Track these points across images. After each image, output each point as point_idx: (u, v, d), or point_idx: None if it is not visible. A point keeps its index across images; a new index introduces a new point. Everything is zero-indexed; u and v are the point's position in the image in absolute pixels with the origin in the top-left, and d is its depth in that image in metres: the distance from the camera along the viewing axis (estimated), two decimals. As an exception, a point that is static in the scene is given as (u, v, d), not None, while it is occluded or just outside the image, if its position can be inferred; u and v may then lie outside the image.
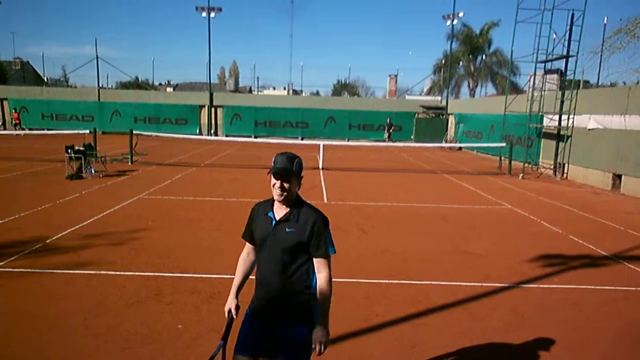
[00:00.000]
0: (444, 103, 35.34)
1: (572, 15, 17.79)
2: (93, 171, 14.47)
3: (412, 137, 34.15)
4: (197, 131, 34.30)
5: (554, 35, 18.74)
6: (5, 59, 50.66)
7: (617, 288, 6.38)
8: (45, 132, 28.73)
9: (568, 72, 18.57)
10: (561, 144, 18.40)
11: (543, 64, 19.79)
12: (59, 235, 7.88)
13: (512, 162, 18.64)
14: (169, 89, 56.97)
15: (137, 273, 6.27)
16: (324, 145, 19.39)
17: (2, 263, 6.44)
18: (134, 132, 18.77)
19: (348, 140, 32.83)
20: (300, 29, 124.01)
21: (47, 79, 51.03)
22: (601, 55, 18.79)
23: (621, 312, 5.65)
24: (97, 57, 35.66)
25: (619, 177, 15.20)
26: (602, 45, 18.16)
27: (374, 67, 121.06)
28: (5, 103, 34.33)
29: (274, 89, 68.32)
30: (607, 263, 7.51)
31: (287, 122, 34.67)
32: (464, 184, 15.46)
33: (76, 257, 6.83)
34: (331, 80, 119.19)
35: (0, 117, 34.29)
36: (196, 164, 18.70)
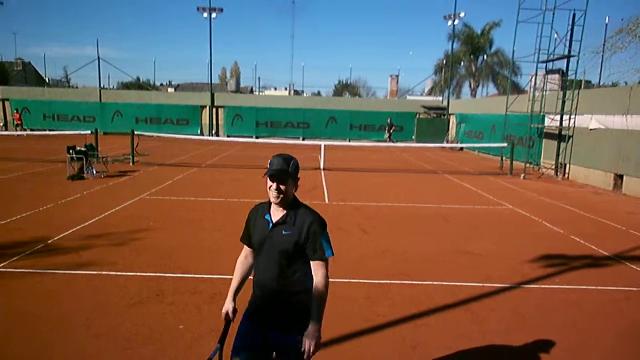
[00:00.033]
0: (445, 103, 35.33)
1: (574, 15, 17.78)
2: (94, 172, 14.48)
3: (413, 137, 34.14)
4: (199, 131, 34.32)
5: (556, 35, 18.74)
6: (7, 59, 50.82)
7: (619, 288, 6.37)
8: (47, 132, 28.75)
9: (569, 72, 18.57)
10: (562, 144, 18.39)
11: (544, 64, 19.76)
12: (61, 235, 7.89)
13: (514, 162, 18.64)
14: (171, 90, 57.00)
15: (138, 273, 6.28)
16: (325, 146, 19.39)
17: (4, 263, 6.45)
18: (136, 132, 18.80)
19: (349, 141, 32.81)
20: (302, 30, 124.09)
21: (48, 79, 51.13)
22: (602, 55, 18.80)
23: (623, 312, 5.64)
24: (98, 58, 35.71)
25: (621, 177, 15.17)
26: (604, 45, 18.18)
27: (375, 68, 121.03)
28: (7, 104, 34.38)
29: (275, 89, 68.33)
30: (609, 263, 7.50)
31: (289, 123, 34.68)
32: (465, 184, 15.45)
33: (78, 257, 6.84)
34: (332, 80, 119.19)
35: (1, 117, 34.33)
36: (197, 164, 18.71)
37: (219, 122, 35.01)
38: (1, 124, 33.93)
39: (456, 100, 38.69)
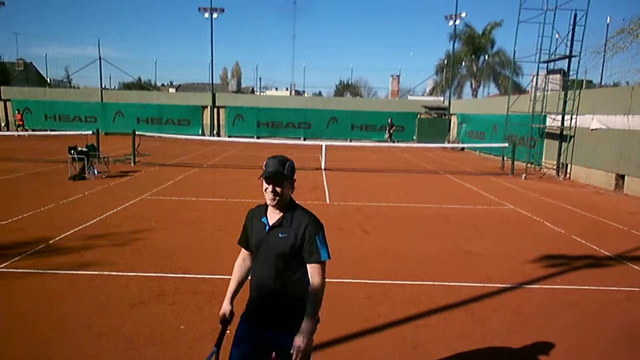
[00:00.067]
0: (446, 103, 35.31)
1: (575, 15, 17.77)
2: (96, 172, 14.50)
3: (414, 137, 34.12)
4: (200, 132, 34.35)
5: (557, 36, 18.73)
6: (8, 60, 50.88)
7: (621, 289, 6.36)
8: (48, 133, 28.80)
9: (571, 72, 18.56)
10: (564, 144, 18.37)
11: (546, 64, 19.74)
12: (62, 235, 7.90)
13: (515, 162, 18.63)
14: (172, 90, 56.99)
15: (139, 274, 6.29)
16: (326, 146, 19.40)
17: (5, 264, 6.46)
18: (137, 132, 18.82)
19: (350, 141, 32.81)
20: (303, 30, 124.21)
21: (50, 79, 51.16)
22: (604, 55, 18.73)
23: (625, 312, 5.63)
24: (100, 58, 35.74)
25: (622, 177, 15.16)
26: (605, 45, 18.12)
27: (377, 68, 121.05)
28: (8, 104, 34.43)
29: (277, 89, 68.31)
30: (611, 263, 7.50)
31: (290, 123, 34.69)
32: (467, 184, 15.45)
33: (79, 257, 6.85)
34: (333, 80, 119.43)
35: (3, 118, 34.39)
36: (199, 164, 18.72)
37: (220, 123, 35.03)
38: (3, 124, 33.98)
39: (457, 101, 38.66)
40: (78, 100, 34.96)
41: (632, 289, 6.37)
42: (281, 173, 2.72)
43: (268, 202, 2.75)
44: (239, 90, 55.81)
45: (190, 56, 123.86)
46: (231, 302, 2.95)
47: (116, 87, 52.04)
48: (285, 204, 2.77)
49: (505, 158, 20.30)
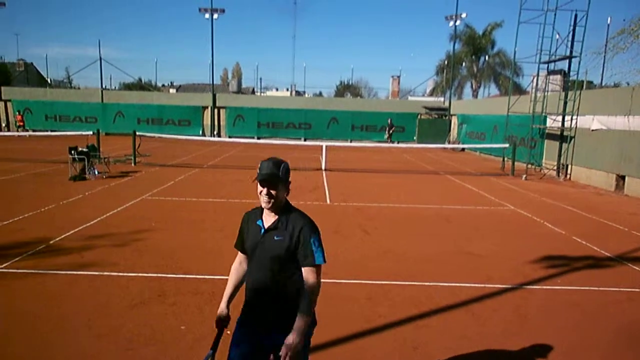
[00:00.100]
0: (446, 104, 35.31)
1: (576, 15, 17.78)
2: (96, 172, 14.51)
3: (414, 138, 34.12)
4: (200, 132, 34.36)
5: (557, 36, 18.73)
6: (9, 60, 50.93)
7: (621, 289, 6.36)
8: (49, 133, 28.81)
9: (571, 73, 18.57)
10: (564, 145, 18.37)
11: (546, 65, 19.74)
12: (63, 236, 7.91)
13: (515, 163, 18.63)
14: (172, 90, 56.99)
15: (140, 274, 6.29)
16: (326, 147, 19.42)
17: (6, 264, 6.46)
18: (137, 133, 18.83)
19: (351, 142, 32.82)
20: (303, 30, 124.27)
21: (50, 80, 51.18)
22: (604, 56, 18.75)
23: (625, 313, 5.63)
24: (100, 59, 35.76)
25: (623, 178, 15.15)
26: (606, 45, 18.15)
27: (377, 68, 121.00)
28: (9, 104, 34.46)
29: (277, 90, 68.32)
30: (611, 264, 7.49)
31: (290, 123, 34.70)
32: (467, 185, 15.44)
33: (79, 258, 6.85)
34: (334, 81, 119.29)
35: (4, 118, 34.41)
36: (199, 165, 18.73)
37: (221, 123, 35.03)
38: (3, 125, 34.00)
39: (458, 101, 38.66)
40: (78, 100, 34.97)
41: (633, 289, 6.37)
42: (276, 175, 2.68)
43: (263, 205, 2.72)
44: (240, 90, 55.82)
45: (191, 57, 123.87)
46: (228, 306, 2.92)
47: (117, 88, 52.06)
48: (281, 207, 2.73)
49: (505, 159, 20.30)
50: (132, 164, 17.64)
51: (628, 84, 17.83)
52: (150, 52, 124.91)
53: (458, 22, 36.50)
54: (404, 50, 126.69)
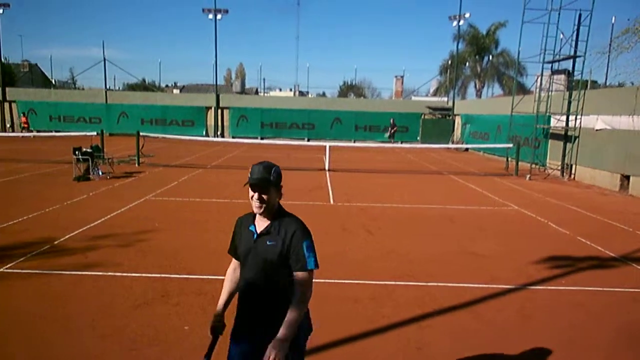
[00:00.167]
0: (450, 104, 35.25)
1: (580, 15, 17.72)
2: (100, 173, 14.55)
3: (418, 138, 34.08)
4: (204, 133, 34.41)
5: (561, 36, 18.66)
6: (13, 61, 51.11)
7: (626, 290, 6.34)
8: (53, 134, 28.90)
9: (575, 73, 18.50)
10: (568, 145, 18.30)
11: (550, 65, 19.69)
12: (67, 236, 7.93)
13: (519, 163, 18.57)
14: (176, 91, 57.20)
15: (143, 274, 6.30)
16: (330, 147, 19.41)
17: (10, 264, 6.48)
18: (141, 133, 18.86)
19: (354, 142, 32.82)
20: (307, 31, 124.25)
21: (55, 81, 51.45)
22: (609, 56, 18.61)
23: (630, 314, 5.61)
24: (104, 59, 35.91)
25: (627, 178, 15.09)
26: (610, 45, 18.01)
27: (380, 69, 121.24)
28: (13, 105, 34.59)
29: (280, 90, 68.41)
30: (615, 264, 7.46)
31: (294, 124, 34.71)
32: (471, 185, 15.41)
33: (83, 258, 6.87)
34: (337, 81, 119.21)
35: (8, 119, 34.54)
36: (203, 165, 18.76)
37: (224, 123, 35.06)
38: (8, 125, 34.14)
39: (461, 101, 38.60)
40: (82, 101, 35.07)
41: (637, 290, 6.34)
42: (267, 179, 2.63)
43: (255, 210, 2.68)
44: (243, 91, 55.97)
45: (195, 57, 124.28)
46: (223, 313, 2.89)
47: (120, 88, 52.28)
48: (273, 212, 2.69)
49: (509, 159, 20.25)
50: (136, 165, 17.67)
51: (632, 83, 17.76)
52: (154, 53, 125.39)
53: (462, 22, 36.45)
54: (407, 50, 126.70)
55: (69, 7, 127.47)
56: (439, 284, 6.32)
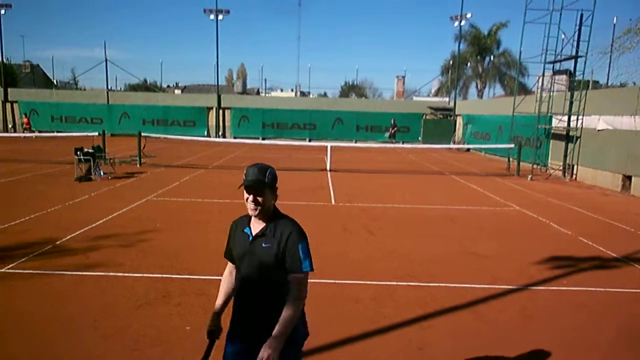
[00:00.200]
0: (451, 104, 35.22)
1: (581, 15, 17.69)
2: (102, 173, 14.57)
3: (419, 138, 34.07)
4: (205, 133, 34.45)
5: (563, 36, 18.65)
6: (15, 62, 51.24)
7: (627, 290, 6.33)
8: (55, 134, 28.96)
9: (577, 73, 18.47)
10: (570, 145, 18.28)
11: (552, 65, 19.67)
12: (68, 237, 7.94)
13: (521, 163, 18.55)
14: (177, 91, 57.26)
15: (145, 275, 6.31)
16: (331, 147, 19.41)
17: (12, 264, 6.50)
18: (143, 134, 18.88)
19: (356, 142, 32.82)
20: (308, 31, 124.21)
21: (56, 81, 51.53)
22: (611, 56, 18.63)
23: (632, 314, 5.60)
24: (106, 60, 35.93)
25: (629, 178, 15.06)
26: (612, 45, 18.01)
27: (382, 69, 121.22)
28: (15, 106, 34.65)
29: (282, 90, 68.48)
30: (617, 265, 7.45)
31: (295, 124, 34.72)
32: (472, 186, 15.40)
33: (85, 258, 6.88)
34: (339, 81, 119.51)
35: (10, 119, 34.60)
36: (204, 165, 18.77)
37: (226, 124, 35.09)
38: (10, 126, 34.20)
39: (463, 101, 38.59)
40: (84, 101, 35.14)
41: (639, 290, 6.33)
42: (261, 181, 2.61)
43: (250, 212, 2.65)
44: (245, 91, 56.00)
45: (196, 58, 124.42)
46: (219, 317, 2.87)
47: (122, 89, 52.36)
48: (269, 214, 2.67)
49: (511, 159, 20.23)
50: (138, 165, 17.69)
51: (634, 83, 17.77)
52: (155, 54, 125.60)
53: (463, 23, 36.46)
54: (409, 51, 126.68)
55: (71, 7, 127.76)
56: (441, 284, 6.31)
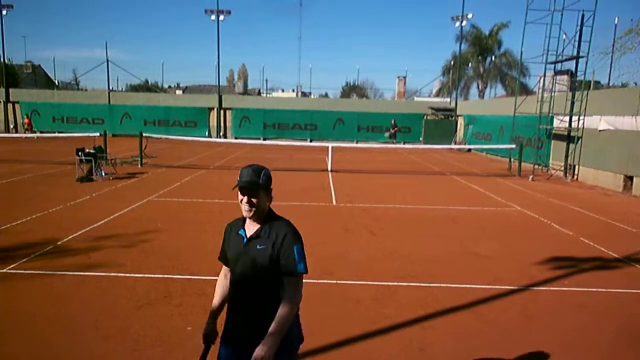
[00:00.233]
0: (453, 104, 35.22)
1: (582, 15, 17.68)
2: (103, 174, 14.58)
3: (420, 138, 34.06)
4: (206, 133, 34.47)
5: (564, 36, 18.63)
6: (16, 62, 51.32)
7: (629, 291, 6.32)
8: (56, 135, 29.01)
9: (578, 73, 18.47)
10: (571, 146, 18.27)
11: (553, 65, 19.66)
12: (70, 237, 7.95)
13: (522, 163, 18.54)
14: (179, 92, 57.27)
15: (146, 275, 6.31)
16: (332, 147, 19.41)
17: (13, 265, 6.50)
18: (144, 134, 18.90)
19: (357, 142, 32.82)
20: (309, 32, 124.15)
21: (58, 82, 51.53)
22: (612, 56, 18.60)
23: (633, 314, 5.59)
24: (107, 61, 35.95)
25: (631, 178, 15.04)
26: (613, 45, 17.99)
27: (383, 69, 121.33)
28: (17, 106, 34.70)
29: (283, 91, 68.47)
30: (619, 265, 7.44)
31: (296, 124, 34.74)
32: (473, 186, 15.39)
33: (86, 259, 6.89)
34: (340, 82, 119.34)
35: (12, 120, 34.65)
36: (205, 166, 18.78)
37: (227, 124, 35.13)
38: (11, 126, 34.26)
39: (464, 102, 38.57)
40: (85, 102, 35.20)
41: (641, 291, 6.33)
42: (256, 183, 2.61)
43: (244, 213, 2.64)
44: (246, 92, 55.99)
45: (197, 58, 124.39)
46: (215, 320, 2.86)
47: (123, 89, 52.40)
48: (264, 215, 2.66)
49: (512, 159, 20.22)
50: (139, 165, 17.70)
51: (636, 84, 17.73)
52: (156, 54, 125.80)
53: (464, 23, 36.43)
54: (410, 51, 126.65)
55: (72, 8, 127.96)
56: (442, 284, 6.31)
